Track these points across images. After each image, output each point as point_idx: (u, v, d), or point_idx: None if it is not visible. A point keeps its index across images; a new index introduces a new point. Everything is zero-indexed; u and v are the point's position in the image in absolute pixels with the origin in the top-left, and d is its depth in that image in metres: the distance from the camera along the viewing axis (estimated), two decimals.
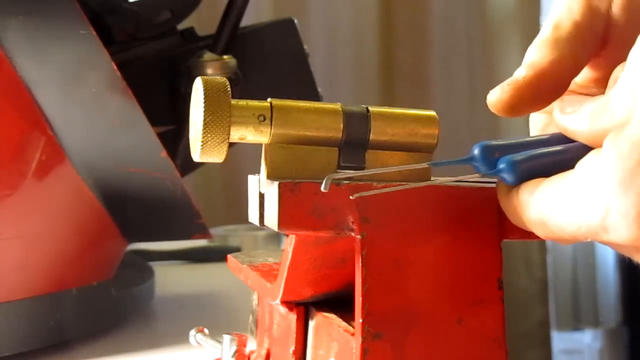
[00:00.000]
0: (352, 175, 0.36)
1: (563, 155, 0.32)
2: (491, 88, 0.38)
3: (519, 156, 0.33)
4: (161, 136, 0.68)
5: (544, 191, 0.32)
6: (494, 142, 0.34)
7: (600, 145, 0.30)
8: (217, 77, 0.36)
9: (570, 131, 0.33)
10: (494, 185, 0.36)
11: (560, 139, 0.34)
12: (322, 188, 0.34)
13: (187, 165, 0.78)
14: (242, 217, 0.51)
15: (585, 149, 0.31)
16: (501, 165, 0.33)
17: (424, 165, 0.36)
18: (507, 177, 0.33)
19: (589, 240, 0.30)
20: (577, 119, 0.32)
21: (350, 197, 0.34)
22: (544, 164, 0.33)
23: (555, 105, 0.34)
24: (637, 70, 0.29)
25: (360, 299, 0.35)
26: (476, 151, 0.34)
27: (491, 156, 0.34)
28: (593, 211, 0.29)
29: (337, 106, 0.37)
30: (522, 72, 0.36)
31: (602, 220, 0.29)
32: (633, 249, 0.31)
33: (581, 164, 0.30)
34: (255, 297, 0.53)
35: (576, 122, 0.32)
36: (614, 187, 0.28)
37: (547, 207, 0.31)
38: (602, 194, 0.29)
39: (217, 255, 1.10)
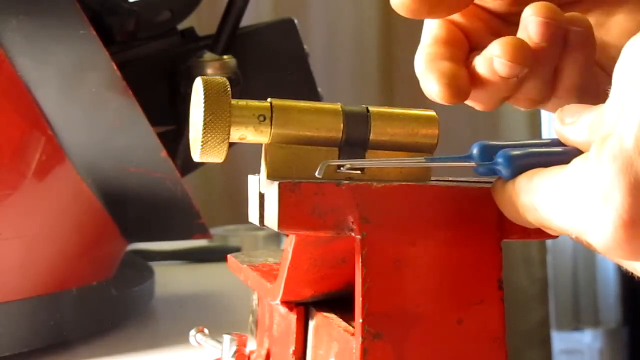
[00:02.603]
0: (349, 164, 0.36)
1: (560, 156, 0.33)
2: None
3: (516, 151, 0.34)
4: (161, 136, 0.68)
5: (541, 178, 0.32)
6: (493, 142, 0.35)
7: None
8: (217, 77, 0.36)
9: (571, 141, 0.33)
10: None
11: (559, 143, 0.34)
12: (316, 173, 0.34)
13: (187, 165, 0.78)
14: (242, 217, 0.51)
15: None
16: (498, 159, 0.34)
17: (422, 160, 0.36)
18: (503, 170, 0.34)
19: (574, 237, 0.31)
20: (577, 130, 0.33)
21: (339, 170, 0.35)
22: (540, 162, 0.33)
23: (556, 115, 0.34)
24: (623, 84, 0.29)
25: (360, 299, 0.35)
26: (475, 150, 0.34)
27: (489, 155, 0.34)
28: (580, 213, 0.30)
29: (337, 106, 0.37)
30: None
31: (585, 225, 0.30)
32: (617, 257, 0.31)
33: (574, 165, 0.31)
34: (255, 297, 0.53)
35: (576, 133, 0.33)
36: (596, 197, 0.29)
37: (542, 195, 0.32)
38: (586, 201, 0.29)
39: (217, 255, 1.10)
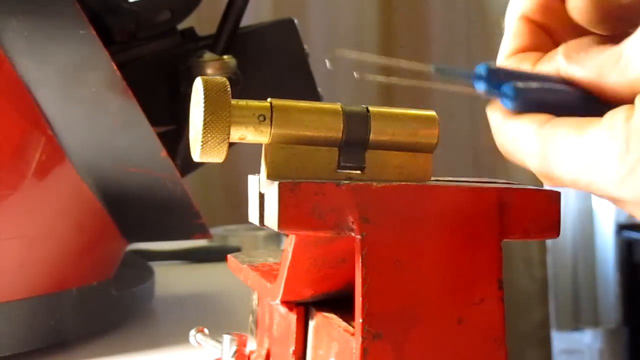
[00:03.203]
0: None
1: (568, 96, 0.31)
2: None
3: (525, 85, 0.32)
4: (161, 136, 0.68)
5: (557, 130, 0.30)
6: (500, 66, 0.34)
7: (607, 97, 0.29)
8: (217, 77, 0.36)
9: (577, 79, 0.31)
10: (494, 185, 0.36)
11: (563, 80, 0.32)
12: (327, 65, 0.34)
13: (187, 165, 0.78)
14: (242, 217, 0.51)
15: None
16: (505, 89, 0.32)
17: (428, 67, 0.36)
18: (508, 102, 0.32)
19: (580, 188, 0.30)
20: (585, 68, 0.31)
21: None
22: (548, 100, 0.32)
23: (560, 51, 0.33)
24: None
25: (360, 299, 0.35)
26: (482, 69, 0.33)
27: (496, 78, 0.33)
28: (609, 172, 0.28)
29: (337, 106, 0.37)
30: None
31: (616, 184, 0.28)
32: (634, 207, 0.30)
33: (609, 121, 0.29)
34: (255, 297, 0.53)
35: (583, 71, 0.31)
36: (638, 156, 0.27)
37: (556, 147, 0.30)
38: (623, 159, 0.28)
39: (217, 255, 1.10)
